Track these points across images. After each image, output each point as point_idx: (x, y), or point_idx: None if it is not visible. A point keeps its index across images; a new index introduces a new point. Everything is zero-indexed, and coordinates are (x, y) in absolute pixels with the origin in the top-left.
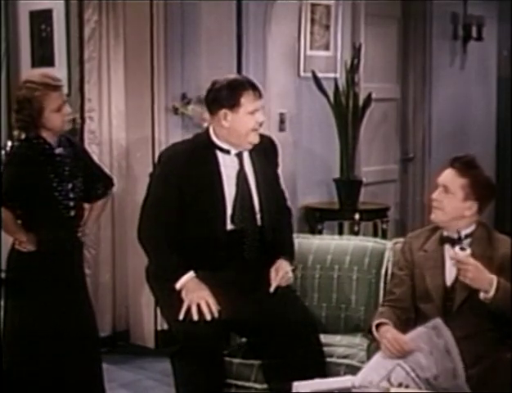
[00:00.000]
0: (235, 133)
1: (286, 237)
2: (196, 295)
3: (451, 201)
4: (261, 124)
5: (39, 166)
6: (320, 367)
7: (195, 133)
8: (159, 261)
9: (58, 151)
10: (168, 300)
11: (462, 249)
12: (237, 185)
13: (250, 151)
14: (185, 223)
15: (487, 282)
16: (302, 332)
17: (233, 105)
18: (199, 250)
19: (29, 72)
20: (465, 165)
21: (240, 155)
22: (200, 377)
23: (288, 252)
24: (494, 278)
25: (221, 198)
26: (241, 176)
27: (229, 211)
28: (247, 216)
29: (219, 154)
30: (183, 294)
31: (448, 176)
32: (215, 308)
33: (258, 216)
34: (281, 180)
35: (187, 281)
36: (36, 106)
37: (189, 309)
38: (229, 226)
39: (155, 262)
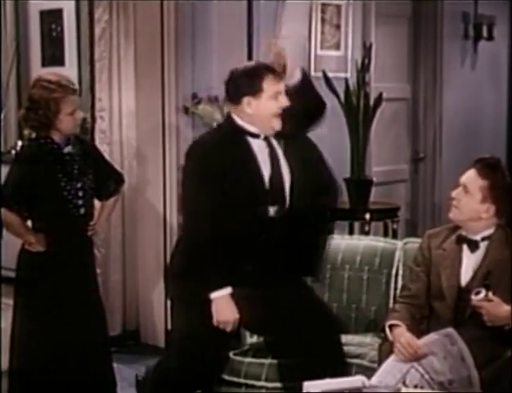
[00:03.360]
0: (258, 118)
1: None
2: (225, 317)
3: (469, 202)
4: (283, 109)
5: (47, 166)
6: (341, 367)
7: (217, 123)
8: (203, 266)
9: (67, 150)
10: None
11: (477, 293)
12: (272, 166)
13: (278, 139)
14: (223, 216)
15: (504, 318)
16: (323, 331)
17: (255, 91)
18: (237, 245)
19: (40, 71)
20: (487, 167)
21: (267, 139)
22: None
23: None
24: (509, 311)
25: (260, 183)
26: (274, 157)
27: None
28: (280, 198)
29: (249, 139)
30: (213, 307)
31: (469, 176)
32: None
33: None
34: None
35: (222, 296)
36: (53, 107)
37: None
38: (271, 212)
39: (199, 265)
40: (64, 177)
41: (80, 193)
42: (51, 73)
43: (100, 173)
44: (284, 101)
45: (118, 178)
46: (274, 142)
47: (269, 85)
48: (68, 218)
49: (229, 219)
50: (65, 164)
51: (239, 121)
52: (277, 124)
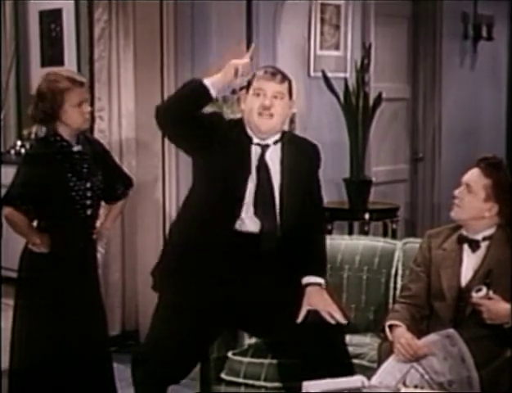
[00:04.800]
0: (247, 116)
1: (316, 248)
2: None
3: (472, 201)
4: (265, 108)
5: (56, 165)
6: (346, 367)
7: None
8: None
9: (76, 148)
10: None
11: (478, 290)
12: (257, 178)
13: (284, 147)
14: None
15: (504, 316)
16: (327, 332)
17: (248, 85)
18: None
19: (39, 71)
20: (490, 166)
21: (264, 147)
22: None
23: (317, 269)
24: (509, 308)
25: (237, 192)
26: (262, 168)
27: (246, 206)
28: (267, 213)
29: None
30: None
31: (473, 175)
32: None
33: (278, 215)
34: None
35: None
36: (58, 98)
37: None
38: (239, 226)
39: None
40: (73, 176)
41: (89, 193)
42: (60, 69)
43: (109, 176)
44: (267, 102)
45: (126, 182)
46: (274, 153)
47: (256, 80)
48: (75, 219)
49: (202, 226)
50: (74, 163)
51: (245, 121)
52: (261, 125)
